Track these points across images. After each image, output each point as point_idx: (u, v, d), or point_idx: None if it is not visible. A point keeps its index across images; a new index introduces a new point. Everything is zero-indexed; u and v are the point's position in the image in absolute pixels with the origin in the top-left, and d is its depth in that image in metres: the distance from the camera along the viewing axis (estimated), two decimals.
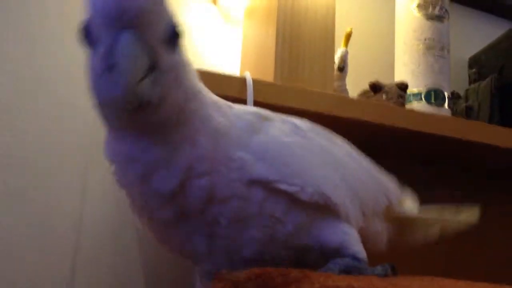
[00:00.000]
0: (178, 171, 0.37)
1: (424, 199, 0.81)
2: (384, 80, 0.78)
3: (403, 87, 0.73)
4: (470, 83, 1.00)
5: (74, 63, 0.72)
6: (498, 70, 0.91)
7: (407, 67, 0.83)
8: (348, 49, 0.80)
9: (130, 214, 0.43)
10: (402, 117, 0.69)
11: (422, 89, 0.81)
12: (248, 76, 0.63)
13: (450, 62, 0.91)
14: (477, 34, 1.08)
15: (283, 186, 0.40)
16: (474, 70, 1.01)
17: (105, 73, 0.32)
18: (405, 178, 0.53)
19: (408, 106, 0.81)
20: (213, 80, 0.65)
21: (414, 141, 0.73)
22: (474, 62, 1.02)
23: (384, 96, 0.72)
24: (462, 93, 0.97)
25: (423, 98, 0.80)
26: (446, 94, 0.82)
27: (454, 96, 0.96)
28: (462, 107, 0.94)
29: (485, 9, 1.10)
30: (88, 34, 0.34)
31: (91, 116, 0.44)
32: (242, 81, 0.63)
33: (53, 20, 0.74)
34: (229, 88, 0.62)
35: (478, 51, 1.02)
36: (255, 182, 0.39)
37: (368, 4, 1.00)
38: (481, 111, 0.91)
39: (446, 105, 0.82)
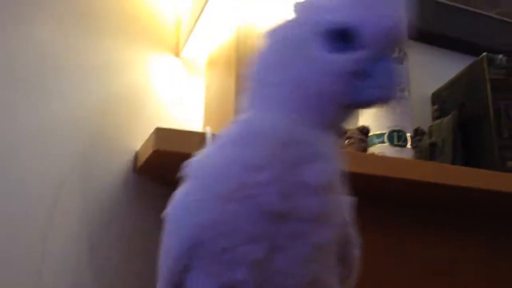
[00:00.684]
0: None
1: (391, 242, 0.82)
2: (348, 124, 0.79)
3: (364, 131, 0.74)
4: (433, 119, 1.02)
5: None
6: (459, 106, 0.94)
7: (370, 110, 0.85)
8: None
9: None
10: (364, 163, 0.70)
11: (385, 131, 0.82)
12: (208, 131, 0.64)
13: (412, 100, 0.93)
14: (440, 70, 1.11)
15: None
16: (436, 106, 1.03)
17: (359, 78, 0.35)
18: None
19: (371, 148, 0.82)
20: (174, 136, 0.66)
21: (377, 184, 0.74)
22: (436, 98, 1.04)
23: (346, 141, 0.73)
24: (426, 129, 0.99)
25: (386, 140, 0.82)
26: (408, 135, 0.84)
27: (418, 133, 0.98)
28: (427, 144, 0.95)
29: (444, 46, 1.13)
30: (342, 36, 0.35)
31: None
32: (202, 136, 0.63)
33: None
34: (190, 144, 0.63)
35: (440, 87, 1.04)
36: None
37: None
38: (445, 147, 0.92)
39: (408, 145, 0.83)
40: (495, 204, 0.85)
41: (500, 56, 0.91)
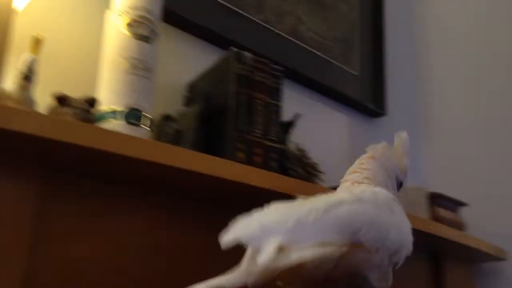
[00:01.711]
0: None
1: (121, 223, 0.78)
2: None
3: (90, 101, 0.70)
4: (183, 107, 1.03)
5: None
6: (205, 97, 0.96)
7: (110, 84, 0.81)
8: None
9: None
10: (85, 134, 0.65)
11: (122, 108, 0.79)
12: None
13: (159, 84, 0.92)
14: (198, 60, 1.13)
15: None
16: (188, 95, 1.04)
17: None
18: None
19: (106, 124, 0.78)
20: None
21: (99, 159, 0.70)
22: (190, 87, 1.06)
23: (70, 111, 0.68)
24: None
25: (122, 117, 0.79)
26: (147, 115, 0.82)
27: (166, 119, 0.98)
28: (172, 130, 0.95)
29: (206, 39, 1.16)
30: None
31: None
32: None
33: None
34: None
35: (195, 77, 1.06)
36: None
37: (77, 15, 0.96)
38: (188, 135, 0.93)
39: (146, 126, 0.81)
40: (221, 191, 0.88)
41: (247, 53, 0.95)
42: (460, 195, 1.58)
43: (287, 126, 1.04)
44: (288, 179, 0.91)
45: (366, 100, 1.55)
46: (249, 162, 0.91)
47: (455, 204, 1.55)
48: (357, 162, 0.73)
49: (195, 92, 1.04)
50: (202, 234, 0.96)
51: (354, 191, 0.64)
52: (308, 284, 0.57)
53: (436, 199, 1.46)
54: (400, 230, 0.63)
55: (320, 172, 1.03)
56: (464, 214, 1.57)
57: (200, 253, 0.94)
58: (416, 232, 1.24)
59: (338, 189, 0.70)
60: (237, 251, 0.62)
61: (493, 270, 1.66)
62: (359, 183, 0.68)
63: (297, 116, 1.05)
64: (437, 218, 1.42)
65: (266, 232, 0.56)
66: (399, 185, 0.74)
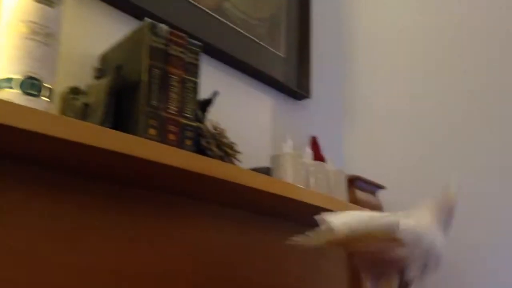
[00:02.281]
0: None
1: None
2: None
3: None
4: (94, 80, 0.96)
5: None
6: (116, 69, 0.90)
7: (6, 50, 0.73)
8: None
9: None
10: None
11: (18, 76, 0.72)
12: None
13: (68, 55, 0.85)
14: (111, 30, 1.06)
15: None
16: (99, 67, 0.98)
17: None
18: None
19: (0, 93, 0.71)
20: None
21: None
22: (101, 59, 0.99)
23: None
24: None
25: (17, 86, 0.72)
26: (47, 85, 0.75)
27: (75, 92, 0.91)
28: (81, 103, 0.89)
29: (116, 5, 1.09)
30: None
31: None
32: None
33: None
34: None
35: (107, 48, 1.00)
36: None
37: None
38: (97, 109, 0.87)
39: (46, 98, 0.75)
40: (132, 170, 0.84)
41: (162, 25, 0.90)
42: (379, 179, 1.62)
43: (205, 104, 1.00)
44: (203, 159, 0.88)
45: (291, 82, 1.54)
46: (162, 140, 0.86)
47: (373, 187, 1.59)
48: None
49: (107, 64, 0.98)
50: (112, 214, 0.91)
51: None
52: (370, 262, 0.90)
53: (356, 182, 1.48)
54: (433, 244, 0.89)
55: (237, 152, 1.00)
56: (382, 197, 1.62)
57: (110, 235, 0.89)
58: None
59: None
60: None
61: None
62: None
63: (215, 94, 1.01)
64: (355, 201, 1.44)
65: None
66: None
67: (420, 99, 1.77)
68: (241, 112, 1.37)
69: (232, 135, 1.13)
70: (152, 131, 0.85)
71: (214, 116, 1.13)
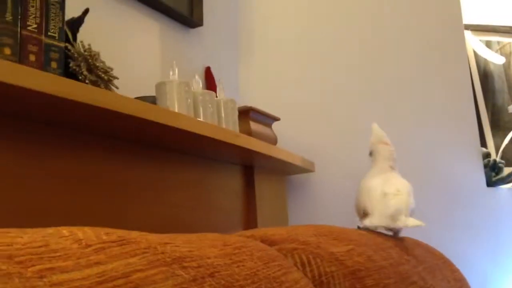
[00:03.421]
0: None
1: None
2: None
3: None
4: None
5: None
6: None
7: None
8: None
9: None
10: None
11: None
12: None
13: None
14: None
15: None
16: None
17: None
18: None
19: None
20: None
21: None
22: None
23: None
24: None
25: None
26: None
27: None
28: None
29: None
30: None
31: None
32: None
33: None
34: None
35: None
36: None
37: None
38: None
39: None
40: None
41: None
42: (274, 111, 1.61)
43: (74, 23, 0.90)
44: (72, 83, 0.79)
45: (182, 8, 1.46)
46: (20, 60, 0.77)
47: (268, 119, 1.58)
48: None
49: None
50: None
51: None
52: None
53: (249, 113, 1.46)
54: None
55: (113, 77, 0.93)
56: (277, 129, 1.61)
57: None
58: (227, 145, 1.23)
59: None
60: None
61: (303, 181, 1.75)
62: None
63: (86, 11, 0.92)
64: (249, 132, 1.43)
65: None
66: None
67: (318, 27, 1.76)
68: (125, 37, 1.28)
69: (115, 62, 1.04)
70: (6, 50, 0.75)
71: (94, 42, 1.03)
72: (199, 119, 1.09)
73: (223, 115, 1.25)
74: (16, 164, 0.86)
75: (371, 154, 1.07)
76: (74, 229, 0.38)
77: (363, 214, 0.96)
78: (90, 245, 0.35)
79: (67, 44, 0.85)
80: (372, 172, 1.02)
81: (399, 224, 0.86)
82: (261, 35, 1.82)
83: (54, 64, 0.81)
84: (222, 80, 1.44)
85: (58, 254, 0.33)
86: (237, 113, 1.31)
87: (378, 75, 1.70)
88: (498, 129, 2.07)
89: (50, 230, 0.37)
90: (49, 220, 0.90)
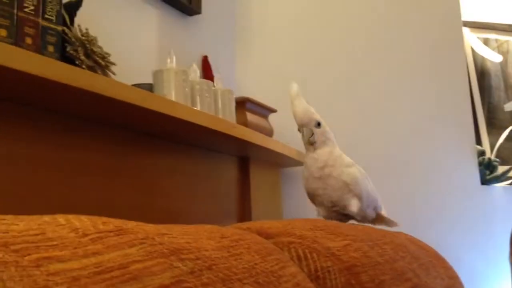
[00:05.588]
0: None
1: None
2: None
3: None
4: None
5: None
6: None
7: None
8: None
9: None
10: None
11: None
12: None
13: None
14: None
15: None
16: None
17: None
18: None
19: None
20: None
21: None
22: None
23: None
24: None
25: None
26: None
27: None
28: None
29: None
30: None
31: None
32: None
33: None
34: None
35: None
36: None
37: None
38: None
39: None
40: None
41: None
42: (270, 102, 1.60)
43: (72, 6, 0.88)
44: (69, 67, 0.78)
45: None
46: (16, 43, 0.75)
47: (265, 110, 1.57)
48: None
49: None
50: None
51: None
52: None
53: (246, 104, 1.45)
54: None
55: (111, 63, 0.91)
56: (273, 120, 1.61)
57: None
58: (223, 136, 1.22)
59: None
60: None
61: (297, 174, 1.75)
62: None
63: None
64: (246, 123, 1.42)
65: None
66: None
67: (317, 21, 1.75)
68: (122, 23, 1.26)
69: (112, 48, 1.02)
70: (2, 32, 0.73)
71: (91, 27, 1.02)
72: (196, 108, 1.08)
73: (220, 105, 1.24)
74: (7, 150, 0.85)
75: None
76: (70, 217, 0.37)
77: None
78: (87, 235, 0.34)
79: (64, 28, 0.83)
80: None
81: None
82: (259, 26, 1.80)
83: (51, 48, 0.80)
84: (220, 70, 1.43)
85: (54, 243, 0.32)
86: (234, 103, 1.30)
87: (375, 69, 1.70)
88: (494, 127, 2.08)
89: (46, 217, 0.36)
90: (40, 207, 0.89)
